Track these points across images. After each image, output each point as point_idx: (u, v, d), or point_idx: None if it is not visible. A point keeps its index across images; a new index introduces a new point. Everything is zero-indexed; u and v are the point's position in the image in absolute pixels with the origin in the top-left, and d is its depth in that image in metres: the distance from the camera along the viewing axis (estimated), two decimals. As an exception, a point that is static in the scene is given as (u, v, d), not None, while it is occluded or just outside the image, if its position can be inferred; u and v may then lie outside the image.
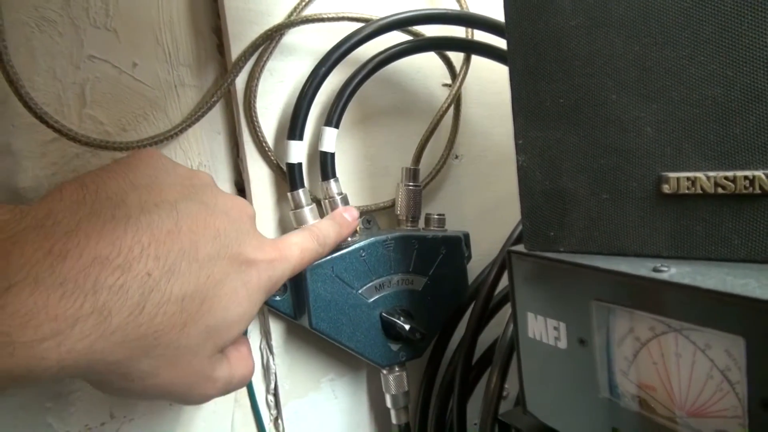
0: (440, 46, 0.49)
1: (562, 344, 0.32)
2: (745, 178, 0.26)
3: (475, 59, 0.50)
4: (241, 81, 0.43)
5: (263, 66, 0.43)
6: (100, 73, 0.38)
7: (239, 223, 0.34)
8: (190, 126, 0.40)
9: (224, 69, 0.43)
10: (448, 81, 0.51)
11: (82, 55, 0.37)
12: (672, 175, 0.28)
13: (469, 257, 0.50)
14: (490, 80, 0.54)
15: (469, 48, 0.49)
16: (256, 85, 0.43)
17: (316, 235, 0.40)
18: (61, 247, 0.25)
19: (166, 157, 0.34)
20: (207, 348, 0.31)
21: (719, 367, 0.25)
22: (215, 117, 0.43)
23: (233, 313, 0.32)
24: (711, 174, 0.27)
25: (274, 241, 0.37)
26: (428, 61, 0.50)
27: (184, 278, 0.29)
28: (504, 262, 0.36)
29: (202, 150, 0.42)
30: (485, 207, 0.55)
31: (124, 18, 0.38)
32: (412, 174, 0.48)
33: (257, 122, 0.43)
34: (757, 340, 0.23)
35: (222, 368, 0.33)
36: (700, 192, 0.27)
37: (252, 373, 0.37)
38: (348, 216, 0.43)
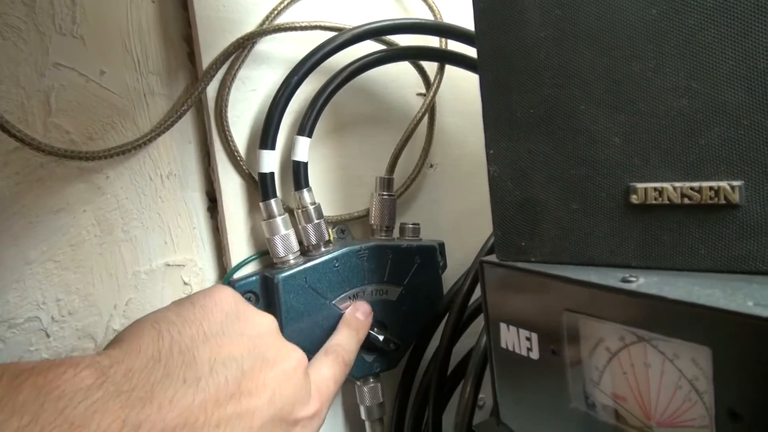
0: (414, 55, 0.49)
1: (535, 354, 0.32)
2: (711, 188, 0.26)
3: (449, 68, 0.50)
4: (212, 89, 0.42)
5: (235, 74, 0.43)
6: (66, 81, 0.37)
7: (294, 378, 0.34)
8: (159, 135, 0.40)
9: (195, 77, 0.42)
10: (423, 90, 0.51)
11: (47, 63, 0.36)
12: (640, 185, 0.28)
13: (444, 267, 0.50)
14: (464, 89, 0.54)
15: (443, 58, 0.49)
16: (228, 94, 0.42)
17: (342, 357, 0.40)
18: (135, 419, 0.26)
19: (237, 296, 0.35)
20: None
21: (687, 376, 0.25)
22: (186, 126, 0.43)
23: None
24: (677, 185, 0.27)
25: (316, 384, 0.37)
26: (402, 71, 0.50)
27: None
28: (477, 272, 0.36)
29: (173, 159, 0.42)
30: (460, 216, 0.55)
31: (91, 25, 0.38)
32: (387, 183, 0.48)
33: (229, 131, 0.42)
34: (722, 350, 0.23)
35: None
36: (667, 202, 0.27)
37: None
38: (360, 315, 0.43)
